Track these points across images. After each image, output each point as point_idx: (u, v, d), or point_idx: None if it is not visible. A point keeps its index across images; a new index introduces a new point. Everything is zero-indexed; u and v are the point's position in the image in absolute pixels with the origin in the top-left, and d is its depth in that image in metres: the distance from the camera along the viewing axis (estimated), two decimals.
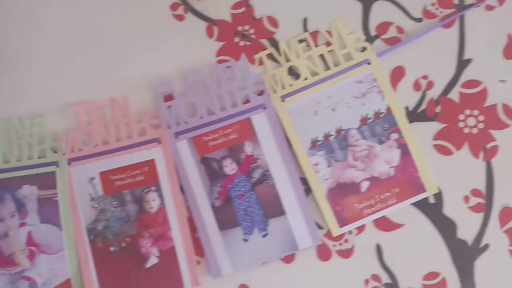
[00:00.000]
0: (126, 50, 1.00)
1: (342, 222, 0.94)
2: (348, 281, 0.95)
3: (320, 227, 0.95)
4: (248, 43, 1.01)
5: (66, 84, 0.99)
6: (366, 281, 0.95)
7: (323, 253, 0.95)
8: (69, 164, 0.96)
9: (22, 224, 0.95)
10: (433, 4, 1.00)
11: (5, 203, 0.96)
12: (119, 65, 0.99)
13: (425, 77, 0.97)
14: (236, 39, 1.01)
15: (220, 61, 0.99)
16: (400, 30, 0.99)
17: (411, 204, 0.95)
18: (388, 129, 0.96)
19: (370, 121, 0.96)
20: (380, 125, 0.96)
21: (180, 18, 1.02)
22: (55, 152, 0.97)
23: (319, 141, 0.95)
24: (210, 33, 1.01)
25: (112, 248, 0.94)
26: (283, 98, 0.97)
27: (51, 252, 0.95)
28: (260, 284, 0.95)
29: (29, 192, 0.96)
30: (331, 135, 0.95)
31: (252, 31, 1.01)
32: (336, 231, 0.95)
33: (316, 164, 0.95)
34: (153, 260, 0.94)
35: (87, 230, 0.95)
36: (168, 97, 0.98)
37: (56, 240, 0.94)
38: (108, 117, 0.98)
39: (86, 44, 1.00)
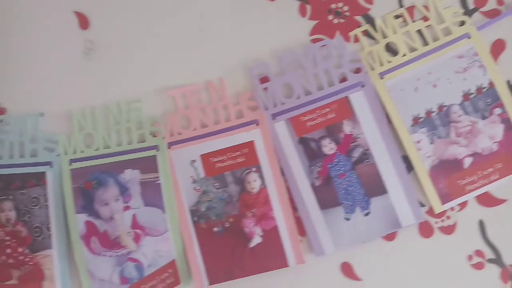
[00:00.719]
0: (219, 33, 0.98)
1: (444, 199, 0.92)
2: (451, 257, 0.93)
3: (422, 205, 0.93)
4: (342, 20, 0.97)
5: (161, 69, 0.98)
6: (469, 257, 0.93)
7: (425, 230, 0.93)
8: (169, 147, 0.96)
9: (127, 208, 0.96)
10: None
11: (109, 187, 0.97)
12: (213, 48, 0.98)
13: None
14: (330, 17, 0.97)
15: (314, 40, 0.96)
16: (500, 2, 0.95)
17: None
18: (490, 104, 0.93)
19: (472, 96, 0.93)
20: (483, 100, 0.92)
21: None
22: (155, 136, 0.97)
23: (421, 118, 0.93)
24: (303, 12, 0.98)
25: (215, 229, 0.95)
26: (382, 75, 0.94)
27: (156, 234, 0.96)
28: (362, 262, 0.94)
29: (131, 176, 0.96)
30: (433, 112, 0.93)
31: (346, 8, 0.97)
32: (438, 208, 0.93)
33: (418, 142, 0.92)
34: (256, 240, 0.94)
35: (190, 211, 0.95)
36: (263, 79, 0.96)
37: (160, 222, 0.95)
38: (205, 100, 0.98)
39: (181, 29, 0.98)
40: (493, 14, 0.94)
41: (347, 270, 0.95)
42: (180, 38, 0.99)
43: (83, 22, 1.00)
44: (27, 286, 0.97)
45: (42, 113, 0.98)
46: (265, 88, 0.95)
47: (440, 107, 0.93)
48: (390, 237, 0.93)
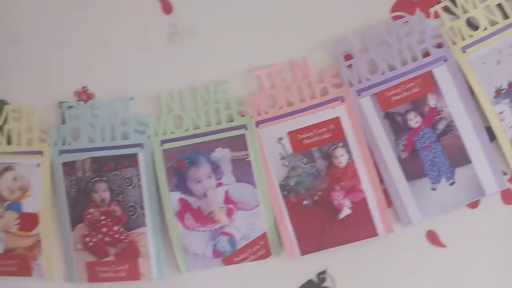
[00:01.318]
0: (301, 13, 0.98)
1: None
2: None
3: (504, 173, 0.95)
4: None
5: (245, 50, 0.99)
6: None
7: (508, 197, 0.95)
8: (257, 126, 0.98)
9: (219, 184, 0.98)
10: None
11: (201, 165, 0.99)
12: (295, 28, 0.99)
13: None
14: None
15: (395, 18, 0.97)
16: None
17: None
18: None
19: None
20: None
21: None
22: (242, 116, 0.99)
23: (503, 89, 0.94)
24: None
25: (305, 202, 0.97)
26: (464, 49, 0.95)
27: (248, 208, 0.98)
28: (447, 230, 0.97)
29: (222, 154, 0.98)
30: None
31: None
32: None
33: (500, 113, 0.94)
34: (346, 211, 0.97)
35: (280, 186, 0.98)
36: (347, 56, 0.97)
37: (252, 197, 0.98)
38: (289, 79, 0.99)
39: (264, 9, 0.98)
40: None
41: (432, 237, 0.97)
42: (263, 19, 0.99)
43: (166, 7, 1.01)
44: (123, 262, 1.01)
45: (132, 97, 1.00)
46: (349, 66, 0.97)
47: None
48: (473, 205, 0.96)
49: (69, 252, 1.01)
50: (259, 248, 0.98)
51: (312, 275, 0.99)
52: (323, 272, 0.99)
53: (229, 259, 0.98)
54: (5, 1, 1.03)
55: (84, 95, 1.03)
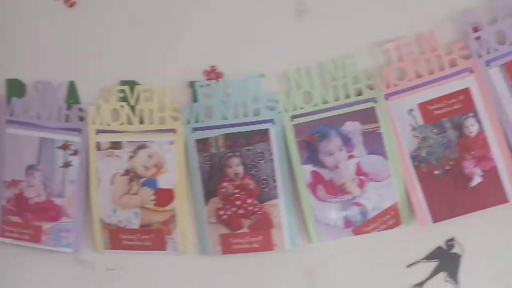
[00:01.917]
0: None
1: None
2: None
3: None
4: None
5: (370, 24, 0.99)
6: None
7: None
8: (386, 99, 1.00)
9: (350, 157, 1.00)
10: None
11: (332, 138, 1.01)
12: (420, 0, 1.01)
13: None
14: None
15: None
16: None
17: None
18: None
19: None
20: None
21: None
22: (371, 89, 1.00)
23: None
24: None
25: (436, 172, 0.98)
26: None
27: (379, 179, 1.00)
28: None
29: (352, 127, 1.00)
30: None
31: None
32: None
33: None
34: (477, 180, 0.97)
35: (411, 157, 0.99)
36: (474, 28, 0.97)
37: (383, 169, 0.99)
38: (416, 52, 1.00)
39: None
40: None
41: None
42: None
43: None
44: (257, 233, 1.03)
45: (263, 74, 1.02)
46: (478, 37, 0.97)
47: None
48: None
49: (202, 225, 1.04)
50: (390, 218, 1.00)
51: (440, 243, 1.02)
52: (452, 239, 1.01)
53: (359, 229, 1.00)
54: None
55: (213, 74, 1.04)
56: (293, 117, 1.01)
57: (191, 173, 1.03)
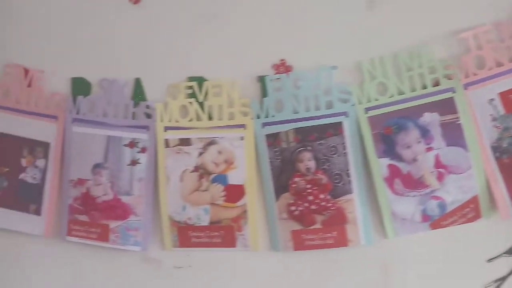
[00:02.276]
0: None
1: None
2: None
3: None
4: None
5: (445, 12, 0.94)
6: None
7: None
8: (465, 88, 0.95)
9: (429, 149, 0.95)
10: None
11: (409, 131, 0.96)
12: None
13: None
14: None
15: None
16: None
17: None
18: None
19: None
20: None
21: None
22: (449, 79, 0.96)
23: None
24: None
25: None
26: None
27: (459, 172, 0.95)
28: None
29: (431, 119, 0.95)
30: None
31: None
32: None
33: None
34: None
35: (492, 148, 0.94)
36: None
37: (463, 161, 0.95)
38: (495, 40, 0.96)
39: None
40: None
41: None
42: None
43: None
44: (331, 229, 0.99)
45: (335, 66, 0.98)
46: None
47: None
48: None
49: (273, 221, 1.01)
50: (469, 211, 0.95)
51: None
52: None
53: (437, 223, 0.96)
54: None
55: (283, 68, 1.00)
56: (368, 109, 0.97)
57: (262, 168, 1.00)
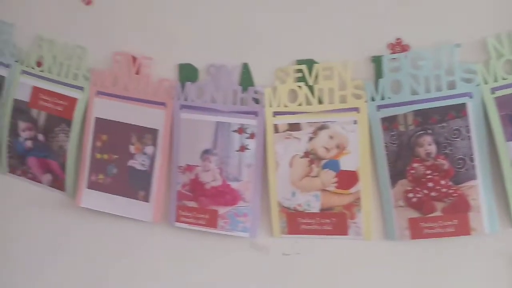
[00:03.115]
0: None
1: None
2: None
3: None
4: None
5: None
6: None
7: None
8: None
9: None
10: None
11: None
12: None
13: None
14: None
15: None
16: None
17: None
18: None
19: None
20: None
21: None
22: None
23: None
24: None
25: None
26: None
27: None
28: None
29: None
30: None
31: None
32: None
33: None
34: None
35: None
36: None
37: None
38: None
39: None
40: None
41: None
42: None
43: None
44: (452, 217, 0.90)
45: (459, 43, 0.88)
46: None
47: None
48: None
49: (389, 209, 0.93)
50: None
51: None
52: None
53: None
54: None
55: (399, 47, 0.92)
56: (494, 89, 0.87)
57: (376, 153, 0.92)
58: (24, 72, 1.09)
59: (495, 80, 0.87)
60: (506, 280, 0.92)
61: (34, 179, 1.12)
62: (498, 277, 0.92)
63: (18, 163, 1.12)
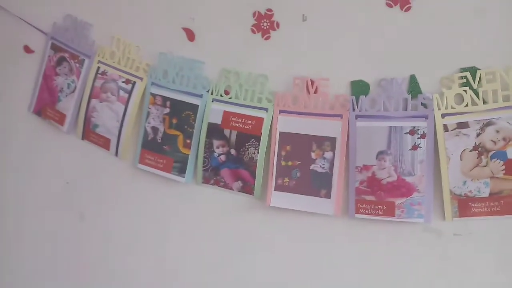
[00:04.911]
0: None
1: None
2: None
3: None
4: None
5: None
6: None
7: None
8: None
9: None
10: None
11: None
12: None
13: None
14: None
15: None
16: None
17: None
18: None
19: None
20: None
21: None
22: None
23: None
24: None
25: None
26: None
27: None
28: None
29: None
30: None
31: None
32: None
33: None
34: None
35: None
36: None
37: None
38: None
39: None
40: None
41: None
42: None
43: None
44: None
45: None
46: None
47: None
48: None
49: None
50: None
51: None
52: None
53: None
54: None
55: None
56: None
57: None
58: (215, 99, 1.25)
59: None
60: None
61: (226, 186, 1.26)
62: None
63: (212, 174, 1.27)
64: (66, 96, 1.38)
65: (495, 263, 1.07)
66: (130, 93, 1.31)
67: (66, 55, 1.37)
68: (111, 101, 1.33)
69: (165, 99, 1.28)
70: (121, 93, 1.31)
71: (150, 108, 1.29)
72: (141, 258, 1.35)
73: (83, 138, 1.38)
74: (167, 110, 1.28)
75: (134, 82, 1.30)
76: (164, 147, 1.28)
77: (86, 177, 1.39)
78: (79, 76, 1.36)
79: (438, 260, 1.10)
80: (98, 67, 1.33)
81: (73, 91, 1.37)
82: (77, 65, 1.36)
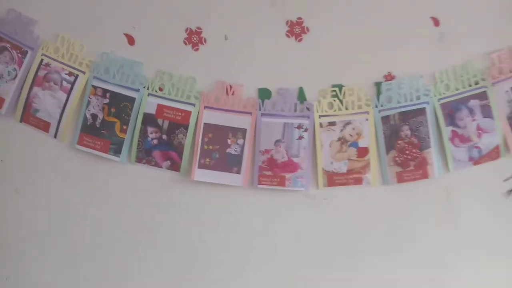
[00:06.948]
0: None
1: None
2: None
3: None
4: None
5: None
6: None
7: None
8: (493, 85, 1.36)
9: (473, 120, 1.37)
10: None
11: (462, 110, 1.38)
12: None
13: None
14: None
15: None
16: None
17: None
18: None
19: None
20: None
21: None
22: (484, 80, 1.39)
23: None
24: None
25: None
26: None
27: (489, 132, 1.36)
28: None
29: (474, 103, 1.37)
30: None
31: None
32: None
33: None
34: None
35: (507, 118, 1.36)
36: None
37: (492, 126, 1.34)
38: (508, 58, 1.38)
39: None
40: None
41: None
42: None
43: None
44: (419, 169, 1.39)
45: (421, 75, 1.38)
46: None
47: None
48: None
49: (385, 167, 1.38)
50: (494, 154, 1.34)
51: None
52: None
53: (477, 162, 1.35)
54: None
55: (389, 77, 1.39)
56: (440, 99, 1.38)
57: (378, 137, 1.37)
58: (150, 94, 1.40)
59: (440, 94, 1.38)
60: (445, 202, 1.40)
61: (156, 165, 1.42)
62: (440, 200, 1.45)
63: (145, 155, 1.41)
64: (6, 82, 1.40)
65: (348, 217, 1.44)
66: (72, 84, 1.39)
67: (8, 45, 1.39)
68: (54, 90, 1.39)
69: (105, 91, 1.40)
70: (64, 83, 1.39)
71: (90, 98, 1.40)
72: (79, 226, 1.43)
73: (21, 121, 1.42)
74: (107, 101, 1.40)
75: (77, 75, 1.39)
76: (103, 131, 1.40)
77: (22, 156, 1.44)
78: (21, 66, 1.39)
79: (313, 215, 1.43)
80: (42, 59, 1.39)
81: (14, 78, 1.40)
82: (20, 55, 1.39)
